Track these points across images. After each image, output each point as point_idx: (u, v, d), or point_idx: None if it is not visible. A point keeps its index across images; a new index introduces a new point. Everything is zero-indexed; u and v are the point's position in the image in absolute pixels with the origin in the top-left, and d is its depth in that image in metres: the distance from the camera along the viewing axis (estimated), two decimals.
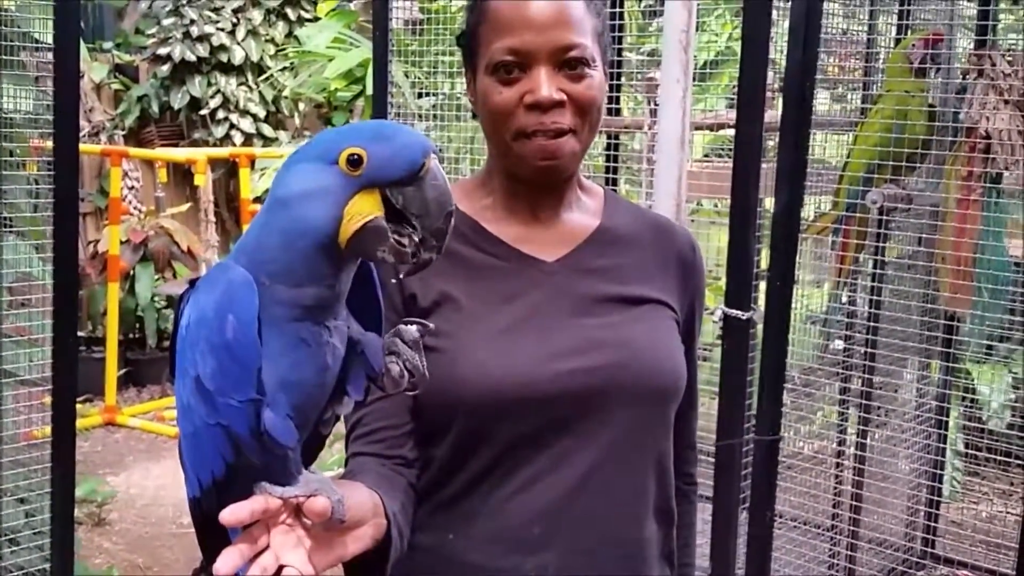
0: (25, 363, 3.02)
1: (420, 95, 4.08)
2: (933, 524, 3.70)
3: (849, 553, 3.31)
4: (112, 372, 6.26)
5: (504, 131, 1.29)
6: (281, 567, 0.97)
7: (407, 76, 3.96)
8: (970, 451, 3.97)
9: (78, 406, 5.82)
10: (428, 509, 1.31)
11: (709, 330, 4.24)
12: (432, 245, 1.00)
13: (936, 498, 3.71)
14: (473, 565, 1.28)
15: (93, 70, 7.79)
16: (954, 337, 3.47)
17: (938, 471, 3.68)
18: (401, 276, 1.05)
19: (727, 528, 2.79)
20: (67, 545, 2.77)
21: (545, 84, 1.26)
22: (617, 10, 3.65)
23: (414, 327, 1.08)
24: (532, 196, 1.36)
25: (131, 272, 6.85)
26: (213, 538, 1.05)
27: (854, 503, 3.32)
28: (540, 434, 1.27)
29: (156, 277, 6.91)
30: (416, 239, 0.99)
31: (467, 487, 1.29)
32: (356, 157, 0.96)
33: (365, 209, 0.97)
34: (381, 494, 1.15)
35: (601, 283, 1.35)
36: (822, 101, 3.72)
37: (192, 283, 1.05)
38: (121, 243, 6.53)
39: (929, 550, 3.69)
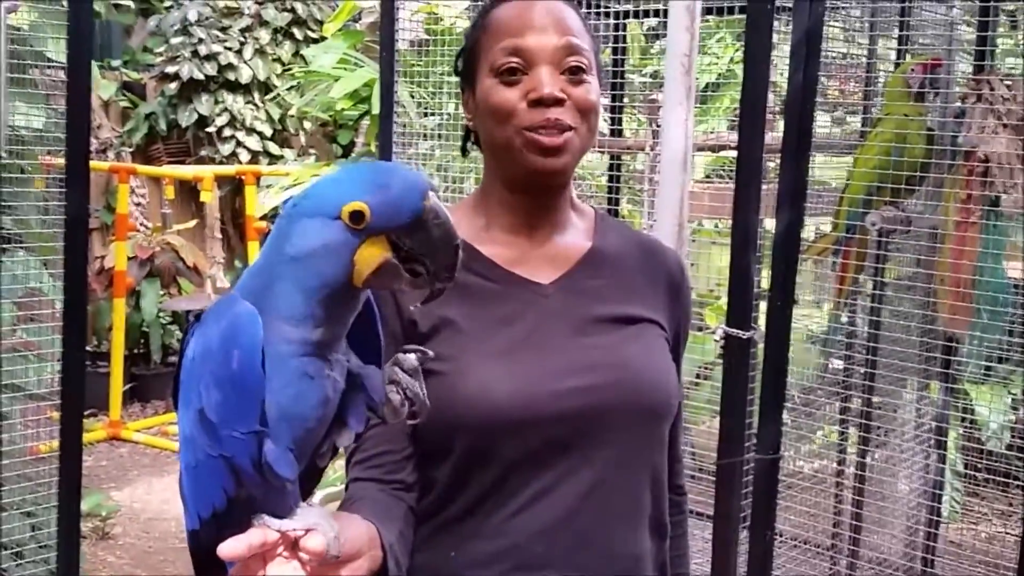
0: (33, 378, 3.05)
1: (424, 114, 4.12)
2: (932, 544, 3.71)
3: (849, 572, 3.32)
4: (117, 387, 6.29)
5: (506, 128, 1.31)
6: None
7: (412, 96, 4.00)
8: (969, 472, 3.99)
9: (84, 421, 5.84)
10: (429, 529, 1.32)
11: (710, 349, 4.28)
12: (444, 276, 1.03)
13: (936, 518, 3.72)
14: None
15: (101, 88, 7.84)
16: (953, 358, 3.50)
17: (937, 491, 3.69)
18: (420, 304, 1.07)
19: (728, 546, 2.80)
20: (73, 559, 2.79)
21: (548, 82, 1.29)
22: (620, 33, 3.70)
23: (413, 355, 1.10)
24: (530, 210, 1.38)
25: (137, 288, 6.89)
26: (211, 571, 1.06)
27: (854, 522, 3.33)
28: (540, 454, 1.28)
29: (162, 293, 6.96)
30: (428, 271, 1.01)
31: (468, 508, 1.30)
32: (358, 213, 0.98)
33: (374, 255, 1.00)
34: (378, 525, 1.17)
35: (596, 304, 1.37)
36: (823, 124, 3.75)
37: (198, 316, 1.06)
38: (128, 259, 6.58)
39: (928, 570, 3.70)
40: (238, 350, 0.98)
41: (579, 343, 1.34)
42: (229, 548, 0.95)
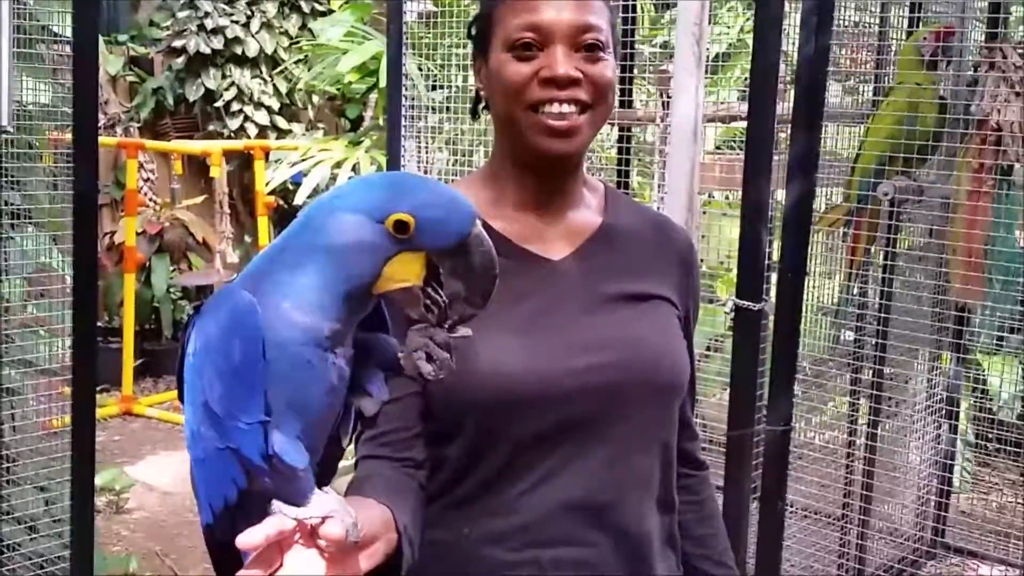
0: (44, 353, 3.06)
1: (433, 87, 4.10)
2: (944, 514, 3.71)
3: (859, 542, 3.33)
4: (129, 362, 6.32)
5: (517, 105, 1.29)
6: None
7: (420, 69, 3.98)
8: (981, 442, 3.98)
9: (96, 396, 5.88)
10: (442, 507, 1.31)
11: (721, 321, 4.27)
12: (477, 303, 1.03)
13: (947, 488, 3.73)
14: (490, 559, 1.29)
15: (108, 63, 7.82)
16: (965, 328, 3.49)
17: (949, 461, 3.69)
18: (446, 327, 1.06)
19: (739, 518, 2.81)
20: (86, 533, 2.81)
21: (563, 62, 1.27)
22: (630, 2, 3.67)
23: (444, 332, 1.07)
24: (539, 188, 1.37)
25: (147, 263, 6.90)
26: (229, 564, 1.05)
27: (864, 492, 3.34)
28: (552, 431, 1.28)
29: (172, 268, 6.97)
30: (444, 308, 1.02)
31: (482, 486, 1.29)
32: (403, 224, 0.97)
33: (406, 273, 0.99)
34: (392, 506, 1.16)
35: (608, 280, 1.36)
36: (835, 93, 3.72)
37: (197, 308, 1.06)
38: (137, 234, 6.59)
39: (940, 539, 3.71)
40: (238, 341, 0.97)
41: (592, 320, 1.33)
42: (246, 539, 0.95)
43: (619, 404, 1.31)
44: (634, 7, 3.75)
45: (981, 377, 3.86)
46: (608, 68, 1.30)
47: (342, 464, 1.23)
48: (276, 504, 0.99)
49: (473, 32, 1.38)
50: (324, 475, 1.16)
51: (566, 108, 1.27)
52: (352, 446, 1.31)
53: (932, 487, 3.71)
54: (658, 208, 2.99)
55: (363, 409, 1.13)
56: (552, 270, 1.35)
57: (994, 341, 3.64)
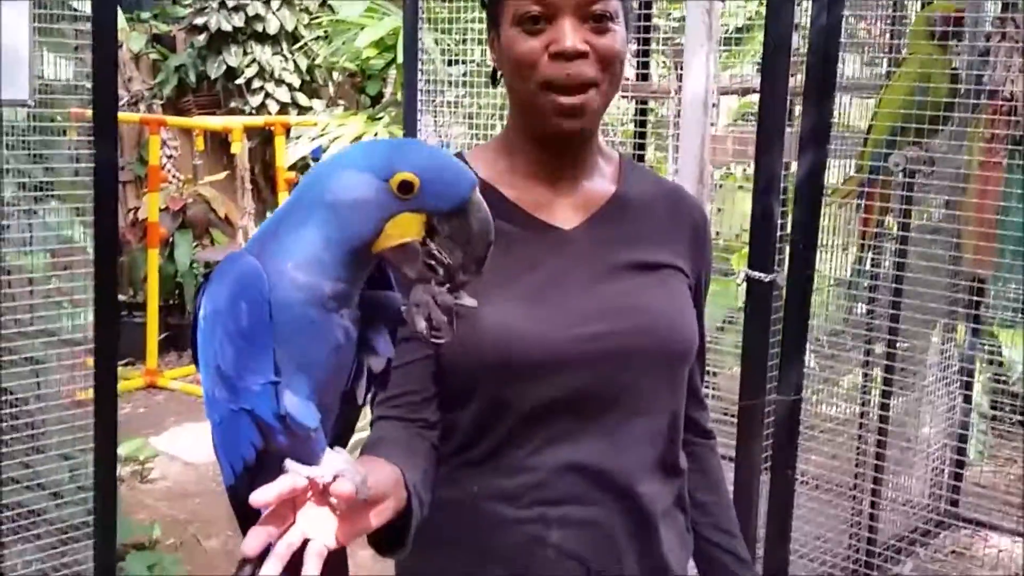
0: (67, 324, 3.12)
1: (451, 62, 4.11)
2: (957, 484, 3.73)
3: (871, 511, 3.35)
4: (153, 336, 6.40)
5: (528, 81, 1.30)
6: (306, 541, 1.01)
7: (437, 44, 3.99)
8: (997, 414, 3.98)
9: (121, 369, 5.97)
10: (453, 466, 1.35)
11: (736, 294, 4.27)
12: (472, 270, 1.05)
13: (961, 458, 3.74)
14: (499, 515, 1.32)
15: (131, 40, 7.87)
16: (981, 300, 3.48)
17: (963, 431, 3.70)
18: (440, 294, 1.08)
19: (750, 487, 2.84)
20: (110, 500, 2.88)
21: (570, 34, 1.27)
22: None
23: (451, 297, 1.08)
24: (553, 159, 1.38)
25: (170, 239, 6.98)
26: (253, 522, 1.07)
27: (876, 463, 3.36)
28: (561, 397, 1.30)
29: (194, 244, 7.04)
30: (446, 266, 1.04)
31: (492, 448, 1.33)
32: (408, 184, 1.00)
33: (406, 230, 1.02)
34: (403, 465, 1.19)
35: (618, 250, 1.38)
36: (852, 66, 3.71)
37: (207, 275, 1.09)
38: (160, 210, 6.65)
39: (953, 509, 3.73)
40: (245, 304, 1.00)
41: (601, 288, 1.35)
42: (259, 496, 0.98)
43: (626, 371, 1.33)
44: None
45: (997, 349, 3.86)
46: (617, 39, 1.30)
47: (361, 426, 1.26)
48: (289, 463, 1.01)
49: (486, 5, 1.39)
50: (341, 435, 1.20)
51: (576, 92, 1.28)
52: (369, 408, 1.34)
53: (946, 457, 3.73)
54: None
55: (371, 366, 1.16)
56: (563, 239, 1.37)
57: (1011, 314, 3.63)
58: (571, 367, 1.30)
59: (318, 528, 1.02)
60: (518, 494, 1.32)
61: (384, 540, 1.17)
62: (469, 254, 1.05)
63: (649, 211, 1.43)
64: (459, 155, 1.44)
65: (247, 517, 1.07)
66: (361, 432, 1.34)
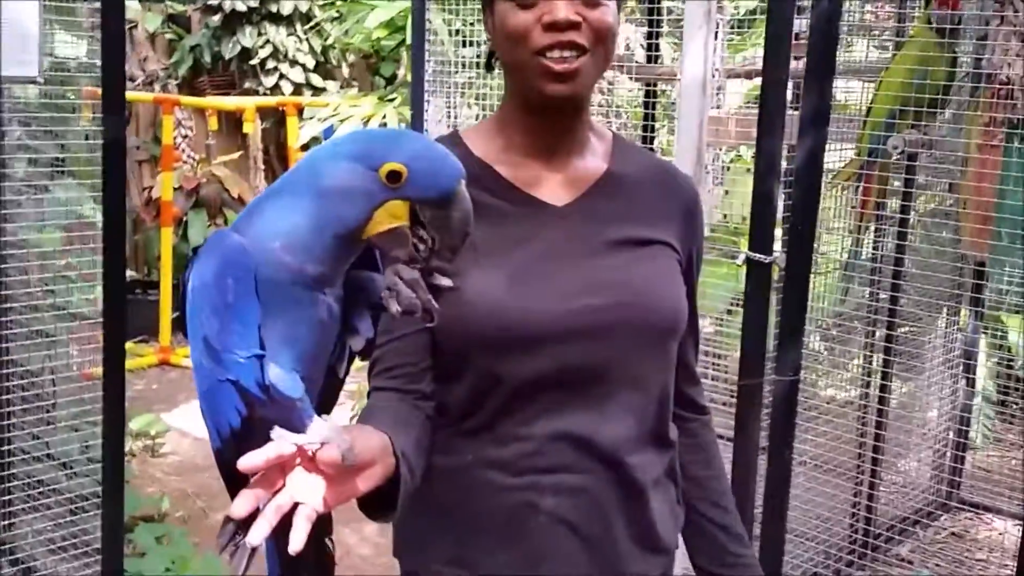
0: (75, 299, 3.17)
1: (462, 44, 4.12)
2: (959, 467, 3.75)
3: (871, 492, 3.37)
4: (166, 314, 6.47)
5: (521, 51, 1.32)
6: (295, 505, 1.05)
7: (447, 24, 4.01)
8: (1002, 397, 3.99)
9: (135, 346, 6.03)
10: (448, 435, 1.38)
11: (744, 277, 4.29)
12: (446, 257, 1.10)
13: (964, 441, 3.75)
14: (492, 483, 1.36)
15: (147, 20, 7.91)
16: (983, 283, 3.49)
17: (965, 415, 3.71)
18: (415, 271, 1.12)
19: (748, 467, 2.87)
20: (118, 472, 2.92)
21: (562, 6, 1.29)
22: None
23: (415, 273, 1.11)
24: (546, 134, 1.41)
25: (184, 218, 7.04)
26: (239, 486, 1.12)
27: (877, 444, 3.38)
28: (551, 370, 1.33)
29: (208, 223, 7.09)
30: (431, 247, 1.08)
31: (486, 421, 1.36)
32: (396, 173, 1.04)
33: (393, 216, 1.06)
34: (392, 434, 1.22)
35: (609, 226, 1.40)
36: (860, 49, 3.71)
37: (195, 250, 1.13)
38: (174, 190, 6.71)
39: (955, 491, 3.75)
40: (231, 280, 1.05)
41: (591, 264, 1.37)
42: (247, 461, 1.02)
43: (615, 344, 1.36)
44: None
45: (1001, 333, 3.86)
46: (608, 13, 1.33)
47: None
48: (276, 431, 1.05)
49: None
50: (325, 404, 1.24)
51: (567, 53, 1.31)
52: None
53: (949, 441, 3.75)
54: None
55: (351, 345, 1.21)
56: (555, 215, 1.39)
57: (1018, 299, 3.63)
58: (561, 340, 1.33)
59: (307, 493, 1.06)
60: (511, 462, 1.35)
61: (374, 505, 1.21)
62: (445, 243, 1.09)
63: (640, 188, 1.45)
64: (456, 133, 1.48)
65: (234, 481, 1.11)
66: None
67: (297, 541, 1.02)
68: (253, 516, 1.04)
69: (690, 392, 1.55)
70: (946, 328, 3.63)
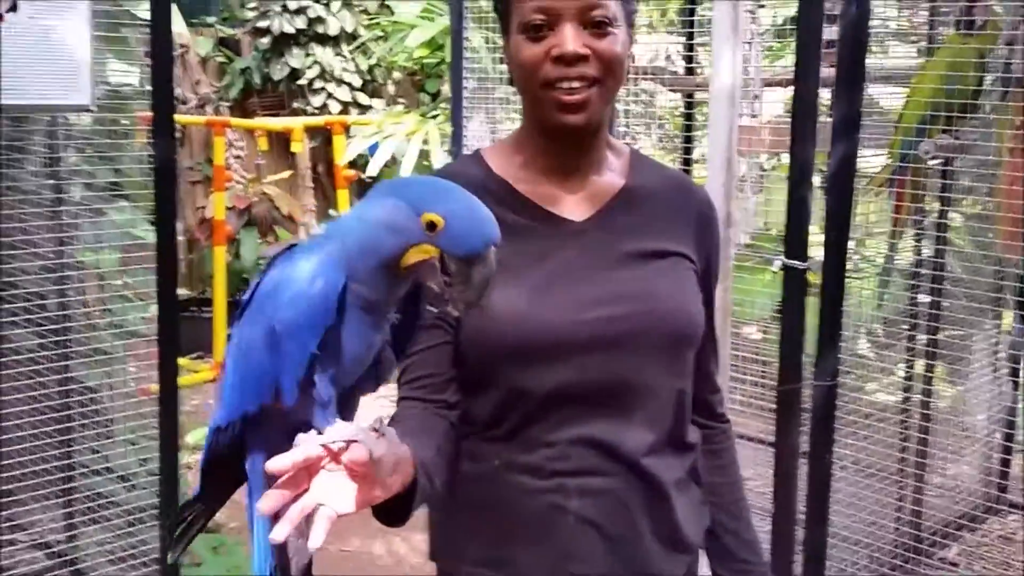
0: (133, 317, 3.28)
1: (501, 60, 4.20)
2: (1006, 470, 3.72)
3: (916, 495, 3.37)
4: (220, 331, 6.60)
5: (533, 82, 1.39)
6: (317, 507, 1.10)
7: (487, 42, 4.09)
8: None
9: (191, 362, 6.16)
10: (476, 442, 1.45)
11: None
12: (459, 308, 1.17)
13: (1010, 444, 3.73)
14: (520, 485, 1.42)
15: (199, 45, 8.11)
16: None
17: (1011, 418, 3.68)
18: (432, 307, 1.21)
19: (788, 472, 2.89)
20: (174, 484, 3.02)
21: (570, 40, 1.36)
22: None
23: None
24: (562, 154, 1.47)
25: (236, 237, 7.19)
26: (218, 468, 1.25)
27: (921, 448, 3.37)
28: (574, 378, 1.40)
29: (260, 241, 7.24)
30: (451, 294, 1.16)
31: (512, 429, 1.43)
32: (433, 224, 1.14)
33: (423, 253, 1.15)
34: (414, 443, 1.28)
35: (626, 240, 1.46)
36: (895, 55, 3.71)
37: (291, 247, 1.22)
38: (227, 209, 6.86)
39: (1002, 495, 3.72)
40: (322, 280, 1.14)
41: (609, 276, 1.43)
42: (276, 464, 1.08)
43: (633, 353, 1.41)
44: None
45: None
46: (616, 43, 1.39)
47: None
48: (300, 437, 1.12)
49: (497, 12, 1.49)
50: (347, 410, 1.30)
51: (576, 84, 1.37)
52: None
53: (995, 443, 3.72)
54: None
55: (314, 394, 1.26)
56: (573, 231, 1.46)
57: None
58: (581, 351, 1.39)
59: (331, 496, 1.11)
60: (538, 466, 1.42)
61: (388, 511, 1.26)
62: (461, 295, 1.16)
63: (656, 202, 1.51)
64: (478, 152, 1.55)
65: (217, 462, 1.24)
66: None
67: (316, 540, 1.07)
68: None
69: (709, 399, 1.61)
70: (990, 331, 3.61)
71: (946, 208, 3.15)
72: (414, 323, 1.30)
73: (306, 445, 1.11)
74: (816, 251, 2.76)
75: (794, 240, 2.79)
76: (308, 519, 1.10)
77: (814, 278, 2.78)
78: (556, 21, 1.37)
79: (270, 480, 1.12)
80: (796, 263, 2.78)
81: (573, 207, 1.47)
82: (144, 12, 3.02)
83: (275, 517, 1.11)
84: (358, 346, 1.19)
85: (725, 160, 2.59)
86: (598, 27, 1.37)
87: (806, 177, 2.75)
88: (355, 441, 1.12)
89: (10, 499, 3.23)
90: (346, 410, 1.24)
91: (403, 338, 1.29)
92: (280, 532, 1.08)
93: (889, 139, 3.16)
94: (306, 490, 1.11)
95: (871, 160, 3.18)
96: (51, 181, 3.15)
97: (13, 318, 3.03)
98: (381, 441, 1.15)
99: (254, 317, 1.19)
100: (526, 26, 1.39)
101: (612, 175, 1.51)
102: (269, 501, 1.10)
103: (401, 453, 1.22)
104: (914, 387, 3.47)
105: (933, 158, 2.75)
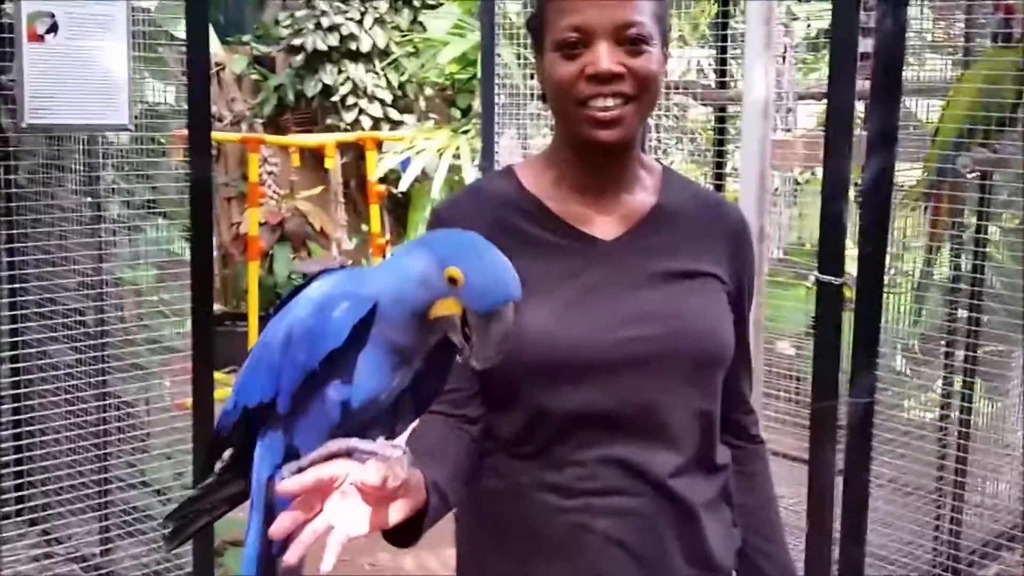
0: (169, 332, 3.32)
1: (532, 76, 4.21)
2: None
3: (954, 515, 3.32)
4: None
5: (567, 100, 1.38)
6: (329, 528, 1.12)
7: (518, 58, 4.10)
8: None
9: (225, 376, 6.21)
10: (502, 460, 1.45)
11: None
12: (478, 364, 1.18)
13: None
14: (546, 503, 1.41)
15: (234, 63, 8.21)
16: None
17: None
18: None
19: (823, 490, 2.86)
20: None
21: (605, 58, 1.35)
22: None
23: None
24: (595, 172, 1.46)
25: (270, 252, 7.24)
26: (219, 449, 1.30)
27: (959, 466, 3.32)
28: (600, 398, 1.38)
29: (292, 256, 7.29)
30: (469, 349, 1.17)
31: (539, 448, 1.42)
32: (454, 278, 1.16)
33: (448, 309, 1.17)
34: (428, 462, 1.30)
35: (657, 259, 1.45)
36: (932, 68, 3.69)
37: (342, 266, 1.26)
38: (260, 224, 6.92)
39: None
40: (347, 305, 1.16)
41: (638, 296, 1.42)
42: (287, 486, 1.10)
43: (661, 374, 1.40)
44: None
45: None
46: (652, 60, 1.38)
47: None
48: (286, 467, 1.15)
49: (531, 29, 1.49)
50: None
51: (611, 102, 1.36)
52: None
53: None
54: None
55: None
56: (603, 250, 1.45)
57: None
58: (609, 371, 1.38)
59: (344, 516, 1.13)
60: (565, 485, 1.41)
61: (399, 533, 1.27)
62: (478, 352, 1.17)
63: (688, 221, 1.50)
64: (510, 168, 1.55)
65: (221, 442, 1.29)
66: None
67: (328, 563, 1.09)
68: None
69: (743, 420, 1.59)
70: None
71: (984, 223, 3.11)
72: (441, 374, 1.30)
73: (316, 469, 1.12)
74: (851, 265, 2.74)
75: (829, 254, 2.76)
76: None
77: (849, 293, 2.76)
78: (591, 39, 1.36)
79: (271, 490, 1.15)
80: (831, 278, 2.76)
81: (604, 226, 1.47)
82: (180, 32, 3.07)
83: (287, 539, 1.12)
84: (375, 383, 1.20)
85: (758, 174, 2.57)
86: (633, 44, 1.37)
87: (841, 191, 2.72)
88: (378, 456, 1.14)
89: (47, 512, 3.27)
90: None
91: (427, 389, 1.30)
92: (293, 554, 1.09)
93: (925, 152, 3.14)
94: (319, 512, 1.12)
95: (906, 173, 3.16)
96: (89, 199, 3.20)
97: (53, 334, 3.07)
98: (399, 464, 1.17)
99: (280, 318, 1.22)
100: (560, 43, 1.38)
101: (644, 194, 1.50)
102: (280, 524, 1.11)
103: (414, 475, 1.23)
104: (952, 403, 3.43)
105: (971, 171, 2.71)
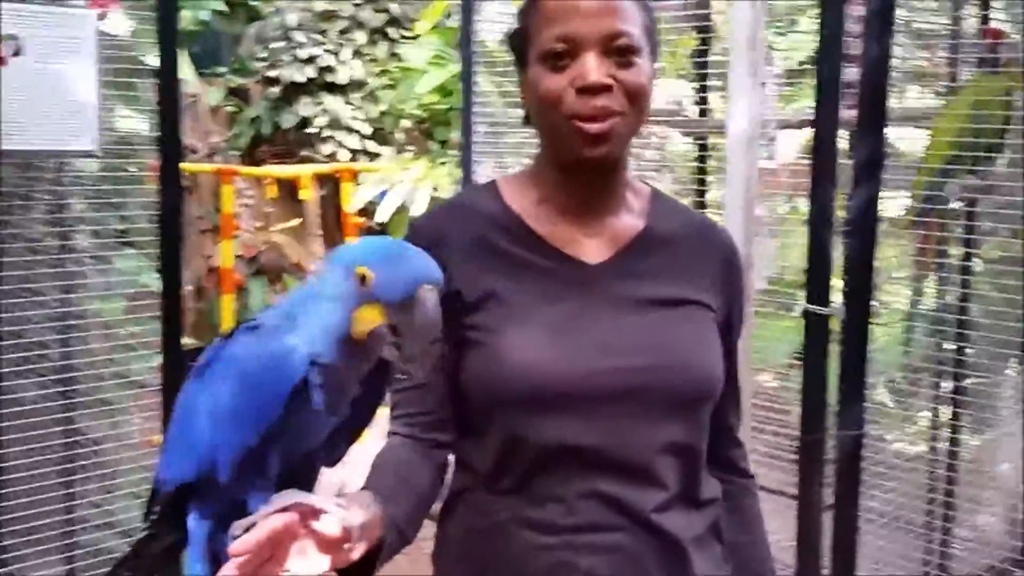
0: (140, 366, 3.22)
1: (513, 106, 4.18)
2: None
3: (943, 550, 3.26)
4: None
5: (554, 115, 1.32)
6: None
7: (497, 87, 4.07)
8: None
9: None
10: (479, 495, 1.38)
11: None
12: (414, 360, 1.11)
13: None
14: (527, 541, 1.34)
15: (209, 95, 8.14)
16: None
17: None
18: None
19: (812, 525, 2.80)
20: None
21: (594, 69, 1.29)
22: (708, 11, 3.70)
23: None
24: (581, 192, 1.39)
25: (245, 286, 7.15)
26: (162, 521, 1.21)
27: (947, 499, 3.27)
28: (580, 430, 1.31)
29: (267, 289, 7.20)
30: (400, 351, 1.11)
31: (518, 482, 1.35)
32: (364, 277, 1.09)
33: (369, 318, 1.10)
34: (390, 497, 1.26)
35: (643, 285, 1.38)
36: (914, 96, 3.67)
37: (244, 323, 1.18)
38: (236, 257, 6.82)
39: None
40: (278, 371, 1.09)
41: (622, 323, 1.35)
42: (239, 546, 1.03)
43: (645, 406, 1.33)
44: (709, 16, 3.79)
45: None
46: (641, 72, 1.32)
47: None
48: (236, 525, 1.09)
49: (513, 46, 1.42)
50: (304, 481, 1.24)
51: (600, 115, 1.30)
52: None
53: (1022, 494, 3.61)
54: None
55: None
56: (588, 273, 1.38)
57: None
58: (588, 401, 1.31)
59: (294, 562, 1.08)
60: (547, 522, 1.33)
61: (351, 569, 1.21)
62: (410, 348, 1.09)
63: (677, 246, 1.43)
64: (493, 182, 1.48)
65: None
66: None
67: None
68: None
69: (731, 454, 1.52)
70: (1017, 378, 3.52)
71: (971, 251, 3.07)
72: (378, 394, 1.24)
73: (271, 519, 1.07)
74: (836, 296, 2.69)
75: (815, 285, 2.73)
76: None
77: (834, 324, 2.71)
78: (578, 49, 1.30)
79: (214, 546, 1.12)
80: (819, 308, 2.71)
81: (589, 249, 1.40)
82: (153, 60, 3.01)
83: None
84: (317, 429, 1.15)
85: (744, 204, 2.53)
86: (622, 56, 1.31)
87: (827, 220, 2.69)
88: (300, 504, 1.10)
89: (11, 555, 3.14)
90: (303, 482, 1.19)
91: (364, 410, 1.23)
92: None
93: (910, 181, 3.10)
94: (270, 560, 1.07)
95: (888, 203, 3.12)
96: (56, 228, 3.11)
97: (15, 367, 2.97)
98: (355, 511, 1.13)
99: (202, 386, 1.15)
100: (546, 55, 1.32)
101: (631, 216, 1.43)
102: (232, 570, 1.04)
103: (370, 518, 1.19)
104: (939, 436, 3.38)
105: (959, 200, 2.68)
